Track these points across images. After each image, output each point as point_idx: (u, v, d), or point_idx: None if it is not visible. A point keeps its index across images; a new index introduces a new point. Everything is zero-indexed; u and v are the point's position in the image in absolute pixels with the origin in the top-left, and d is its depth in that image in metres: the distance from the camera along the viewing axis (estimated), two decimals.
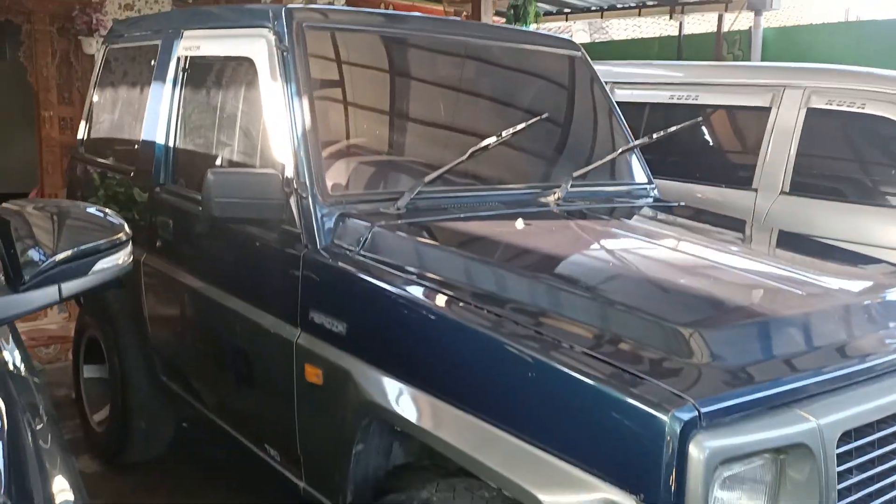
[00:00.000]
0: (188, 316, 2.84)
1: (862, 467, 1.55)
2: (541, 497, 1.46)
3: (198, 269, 2.69)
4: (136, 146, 3.16)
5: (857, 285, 2.00)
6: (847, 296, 1.92)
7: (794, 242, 2.61)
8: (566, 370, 1.48)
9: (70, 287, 1.28)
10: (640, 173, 3.03)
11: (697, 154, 4.37)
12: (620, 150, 2.75)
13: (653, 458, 1.34)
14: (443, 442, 1.70)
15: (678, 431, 1.32)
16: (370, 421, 1.93)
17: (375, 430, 1.98)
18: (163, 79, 3.01)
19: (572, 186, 2.65)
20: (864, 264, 2.28)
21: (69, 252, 1.26)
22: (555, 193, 2.59)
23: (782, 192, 3.84)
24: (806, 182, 3.80)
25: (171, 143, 2.95)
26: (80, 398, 3.61)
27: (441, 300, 1.83)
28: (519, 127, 2.32)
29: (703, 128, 4.40)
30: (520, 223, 2.26)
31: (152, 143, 3.03)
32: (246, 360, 2.48)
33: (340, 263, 2.08)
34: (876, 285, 2.00)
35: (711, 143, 4.37)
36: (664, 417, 1.33)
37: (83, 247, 1.28)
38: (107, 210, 1.50)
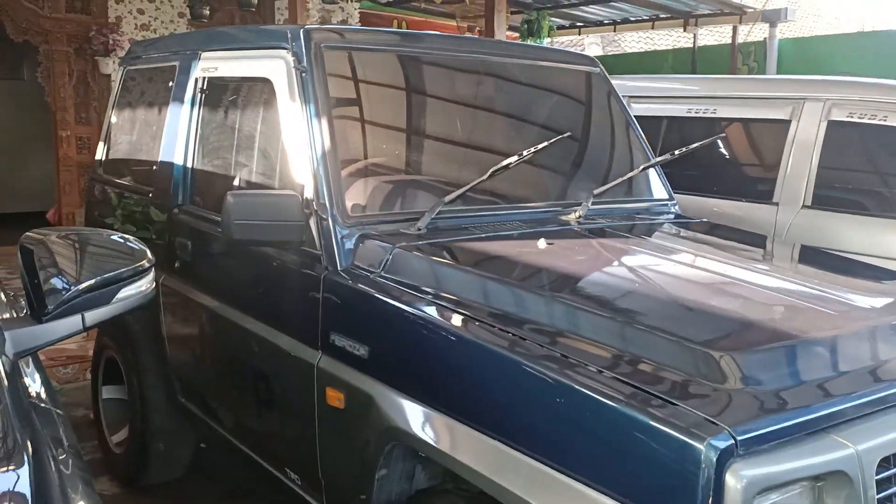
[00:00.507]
0: (207, 337, 2.83)
1: None
2: None
3: (217, 291, 2.68)
4: (155, 167, 3.16)
5: (888, 303, 1.95)
6: (879, 315, 1.88)
7: (819, 259, 2.57)
8: (595, 395, 1.45)
9: (94, 316, 1.27)
10: (660, 189, 3.00)
11: (717, 168, 4.33)
12: (642, 168, 2.72)
13: (688, 488, 1.30)
14: (464, 466, 1.67)
15: (714, 460, 1.28)
16: (393, 446, 1.90)
17: (398, 454, 1.95)
18: (181, 100, 3.01)
19: (593, 204, 2.62)
20: (893, 280, 2.24)
21: (92, 281, 1.25)
22: (576, 212, 2.57)
23: (804, 206, 3.79)
24: (828, 195, 3.75)
25: (189, 164, 2.95)
26: (98, 419, 3.60)
27: (463, 322, 1.80)
28: (540, 146, 2.30)
29: (722, 141, 4.37)
30: (542, 243, 2.23)
31: (170, 164, 3.03)
32: (266, 382, 2.46)
33: (361, 285, 2.06)
34: None
35: (730, 157, 4.33)
36: (700, 445, 1.30)
37: (106, 275, 1.27)
38: (129, 237, 1.49)
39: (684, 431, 1.32)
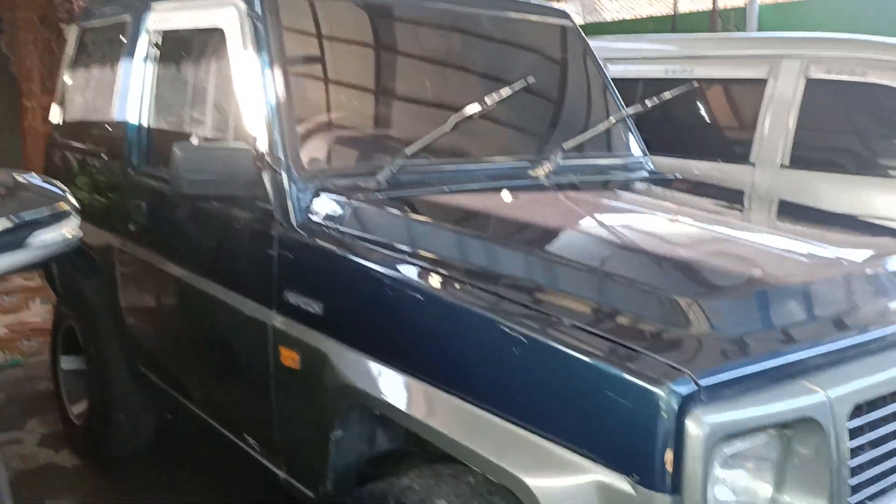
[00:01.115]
0: (164, 302, 2.72)
1: (876, 443, 1.43)
2: (528, 481, 1.35)
3: (172, 253, 2.57)
4: (109, 127, 3.03)
5: (864, 252, 1.88)
6: (855, 263, 1.80)
7: (795, 211, 2.49)
8: (552, 344, 1.37)
9: (4, 262, 1.16)
10: (633, 146, 2.91)
11: (693, 129, 4.24)
12: (614, 120, 2.62)
13: (647, 436, 1.22)
14: (423, 425, 1.59)
15: (675, 406, 1.21)
16: (349, 406, 1.81)
17: (356, 415, 1.86)
18: (133, 55, 2.88)
19: (563, 159, 2.53)
20: (871, 231, 2.16)
21: None
22: (544, 166, 2.47)
23: (781, 166, 3.72)
24: (806, 155, 3.67)
25: (143, 123, 2.83)
26: (58, 391, 3.49)
27: (421, 275, 1.71)
28: (503, 92, 2.19)
29: (699, 102, 4.28)
30: (506, 195, 2.14)
31: (124, 124, 2.90)
32: (223, 345, 2.37)
33: (316, 240, 1.96)
34: (885, 252, 1.88)
35: (708, 118, 4.25)
36: (659, 391, 1.22)
37: (16, 216, 1.16)
38: (50, 179, 1.37)
39: (644, 378, 1.24)
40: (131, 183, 2.83)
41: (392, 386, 1.68)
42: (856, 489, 1.38)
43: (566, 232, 1.96)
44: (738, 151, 3.87)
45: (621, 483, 1.25)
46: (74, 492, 3.08)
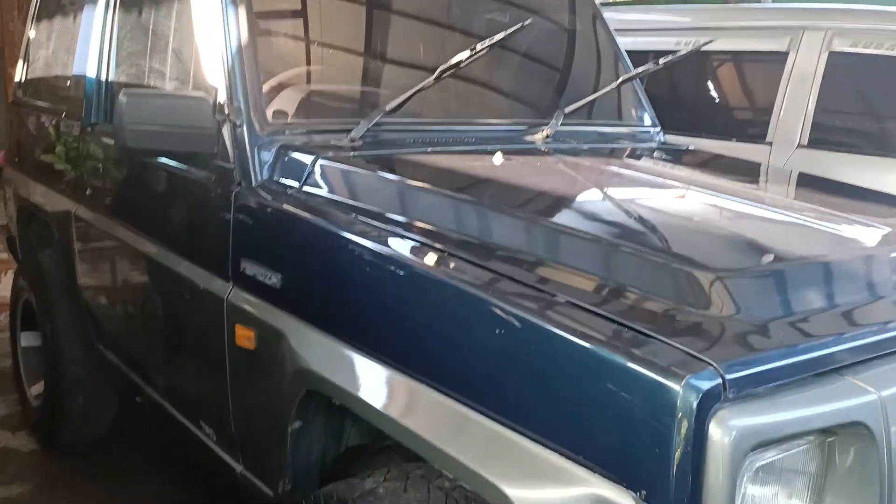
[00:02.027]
0: (120, 274, 2.47)
1: None
2: (508, 491, 1.10)
3: (127, 219, 2.32)
4: (68, 84, 2.78)
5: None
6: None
7: (822, 184, 2.22)
8: (542, 324, 1.11)
9: None
10: (644, 116, 2.64)
11: (708, 107, 3.97)
12: (620, 80, 2.35)
13: (659, 443, 0.97)
14: (385, 417, 1.34)
15: (695, 405, 0.95)
16: (307, 393, 1.56)
17: (318, 404, 1.61)
18: (94, 6, 2.62)
19: (564, 124, 2.26)
20: None
21: None
22: (543, 131, 2.21)
23: (799, 146, 3.46)
24: (825, 134, 3.41)
25: (102, 77, 2.57)
26: (17, 369, 3.24)
27: (390, 242, 1.45)
28: (495, 38, 1.91)
29: (714, 78, 4.01)
30: (497, 158, 1.88)
31: (83, 79, 2.64)
32: (179, 322, 2.12)
33: (276, 202, 1.71)
34: None
35: (723, 95, 3.98)
36: (675, 386, 0.96)
37: None
38: None
39: (655, 368, 0.99)
40: (88, 143, 2.58)
41: (352, 370, 1.43)
42: None
43: (563, 198, 1.70)
44: (754, 130, 3.61)
45: (624, 499, 1.00)
46: (28, 480, 2.84)
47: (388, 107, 1.94)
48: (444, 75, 1.92)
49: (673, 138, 3.07)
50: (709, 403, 0.96)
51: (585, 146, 2.25)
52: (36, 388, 3.11)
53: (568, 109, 2.28)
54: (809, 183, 2.24)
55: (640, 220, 1.51)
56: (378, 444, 1.76)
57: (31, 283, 2.99)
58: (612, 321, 1.09)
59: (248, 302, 1.72)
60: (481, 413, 1.18)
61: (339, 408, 1.61)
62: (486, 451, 1.16)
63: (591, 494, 1.03)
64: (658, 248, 1.32)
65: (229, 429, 1.89)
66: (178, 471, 2.84)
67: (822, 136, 3.41)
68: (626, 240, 1.36)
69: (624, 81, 2.34)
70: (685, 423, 0.95)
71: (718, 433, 0.95)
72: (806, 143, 3.44)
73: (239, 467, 1.91)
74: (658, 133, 2.63)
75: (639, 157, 2.26)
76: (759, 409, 0.99)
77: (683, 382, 0.96)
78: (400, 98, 1.93)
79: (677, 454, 0.96)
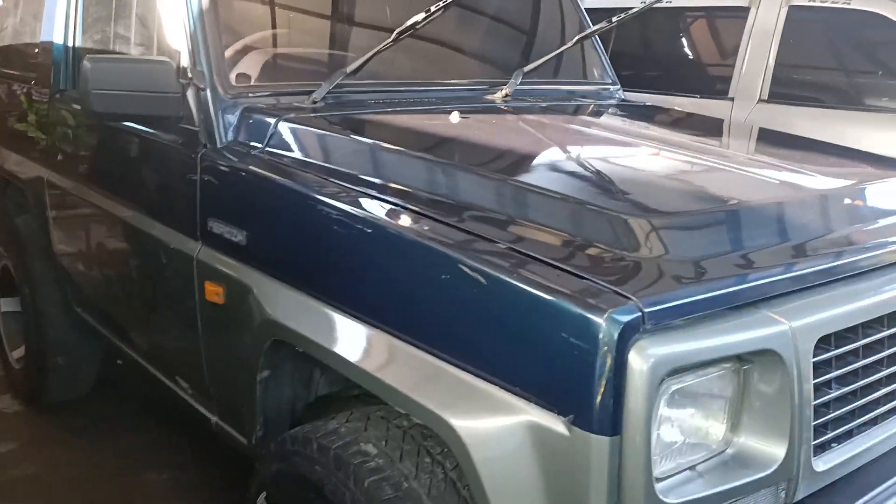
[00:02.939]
0: (94, 238, 2.53)
1: (843, 380, 1.29)
2: (452, 421, 1.20)
3: (98, 184, 2.37)
4: (38, 50, 2.79)
5: (841, 175, 1.72)
6: (828, 187, 1.64)
7: (771, 136, 2.31)
8: (482, 267, 1.20)
9: None
10: (603, 74, 2.71)
11: (672, 64, 4.05)
12: (575, 39, 2.41)
13: (583, 371, 1.07)
14: (341, 359, 1.43)
15: (615, 336, 1.05)
16: (274, 342, 1.65)
17: (285, 354, 1.70)
18: None
19: (523, 84, 2.34)
20: (853, 158, 1.99)
21: None
22: (502, 90, 2.28)
23: (760, 101, 3.55)
24: (786, 88, 3.50)
25: (70, 44, 2.59)
26: None
27: (345, 197, 1.53)
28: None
29: (678, 35, 4.07)
30: (455, 117, 1.95)
31: (51, 46, 2.66)
32: (151, 282, 2.19)
33: (238, 162, 1.77)
34: (864, 176, 1.72)
35: (687, 52, 4.05)
36: (598, 319, 1.06)
37: None
38: None
39: (581, 304, 1.08)
40: (58, 109, 2.61)
41: (312, 318, 1.51)
42: (820, 430, 1.24)
43: (513, 153, 1.78)
44: (717, 86, 3.69)
45: (555, 424, 1.10)
46: (14, 438, 2.93)
47: (349, 69, 2.00)
48: (403, 36, 1.97)
49: (633, 95, 3.15)
50: (628, 334, 1.06)
51: (544, 104, 2.32)
52: (17, 353, 3.17)
53: (527, 68, 2.35)
54: (757, 135, 2.33)
55: (584, 172, 1.60)
56: (347, 392, 1.85)
57: (9, 250, 3.04)
58: (547, 264, 1.18)
59: (217, 259, 1.80)
60: (425, 350, 1.28)
61: (307, 357, 1.70)
62: (434, 387, 1.25)
63: (526, 421, 1.13)
64: (595, 197, 1.41)
65: (203, 381, 1.98)
66: (165, 423, 2.93)
67: (783, 91, 3.50)
68: (566, 190, 1.44)
69: (579, 40, 2.40)
70: (607, 353, 1.05)
71: (637, 361, 1.05)
72: (766, 97, 3.53)
73: (214, 418, 2.00)
74: (617, 90, 2.70)
75: (593, 114, 2.33)
76: (675, 339, 1.09)
77: (606, 316, 1.06)
78: (360, 60, 1.99)
79: (601, 381, 1.06)
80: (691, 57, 4.01)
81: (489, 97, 2.27)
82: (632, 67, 4.04)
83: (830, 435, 1.27)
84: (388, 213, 1.43)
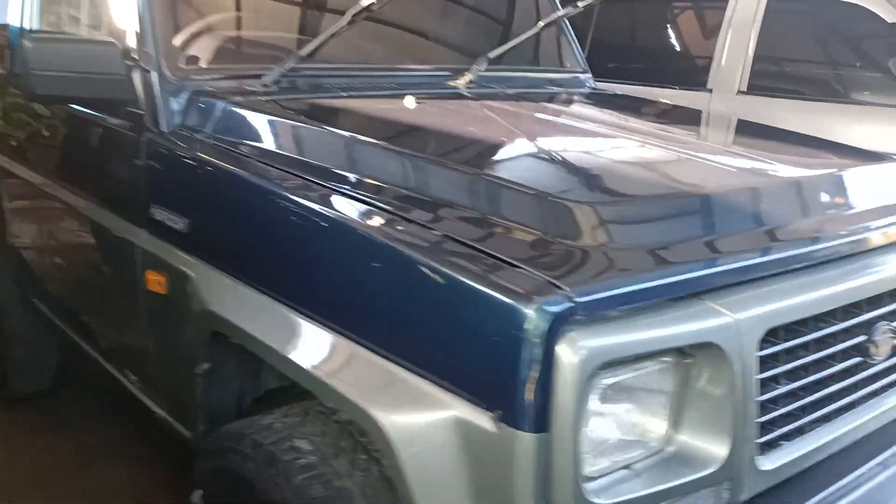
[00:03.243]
0: (46, 225, 2.47)
1: (794, 375, 1.24)
2: (378, 416, 1.14)
3: (49, 169, 2.31)
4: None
5: (800, 165, 1.66)
6: (786, 175, 1.58)
7: (736, 125, 2.26)
8: (410, 253, 1.14)
9: None
10: (574, 62, 2.65)
11: (651, 55, 3.99)
12: (542, 24, 2.35)
13: (510, 364, 1.01)
14: (269, 349, 1.37)
15: (543, 327, 0.99)
16: (213, 334, 1.59)
17: (228, 346, 1.64)
18: None
19: (489, 70, 2.27)
20: (817, 147, 1.94)
21: None
22: (466, 76, 2.22)
23: (739, 92, 3.49)
24: (765, 80, 3.44)
25: (27, 24, 2.52)
26: None
27: (286, 185, 1.46)
28: None
29: (658, 26, 4.02)
30: (410, 102, 1.89)
31: (6, 28, 2.59)
32: (98, 271, 2.13)
33: (182, 147, 1.71)
34: (823, 166, 1.67)
35: (666, 42, 3.99)
36: (526, 310, 1.00)
37: None
38: None
39: (509, 293, 1.03)
40: (12, 93, 2.53)
41: (244, 307, 1.45)
42: (766, 427, 1.18)
43: (465, 139, 1.72)
44: (695, 77, 3.64)
45: (482, 420, 1.05)
46: None
47: (304, 51, 1.93)
48: (357, 18, 1.91)
49: (611, 86, 3.09)
50: (557, 325, 1.00)
51: (509, 91, 2.26)
52: None
53: (492, 54, 2.29)
54: (716, 124, 2.27)
55: (533, 158, 1.54)
56: (297, 386, 1.80)
57: None
58: (479, 251, 1.13)
59: (160, 248, 1.74)
60: (359, 343, 1.22)
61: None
62: (361, 379, 1.20)
63: (454, 417, 1.07)
64: (538, 183, 1.34)
65: (150, 374, 1.92)
66: (127, 419, 2.86)
67: (762, 83, 3.44)
68: (510, 176, 1.38)
69: (546, 26, 2.34)
70: (534, 345, 0.99)
71: (567, 353, 1.00)
72: (745, 89, 3.48)
73: (160, 411, 1.94)
74: (588, 79, 2.64)
75: (557, 102, 2.28)
76: (609, 331, 1.03)
77: (534, 306, 1.00)
78: (314, 43, 1.93)
79: (528, 375, 1.00)
80: (670, 48, 3.95)
81: (452, 83, 2.20)
82: (611, 58, 3.99)
83: (778, 432, 1.21)
84: (317, 198, 1.37)
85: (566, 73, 2.61)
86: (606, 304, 1.04)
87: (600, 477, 1.08)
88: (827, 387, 1.30)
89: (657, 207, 1.26)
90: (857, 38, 3.33)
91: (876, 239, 1.38)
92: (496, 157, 1.55)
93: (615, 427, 1.10)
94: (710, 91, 3.57)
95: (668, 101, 2.56)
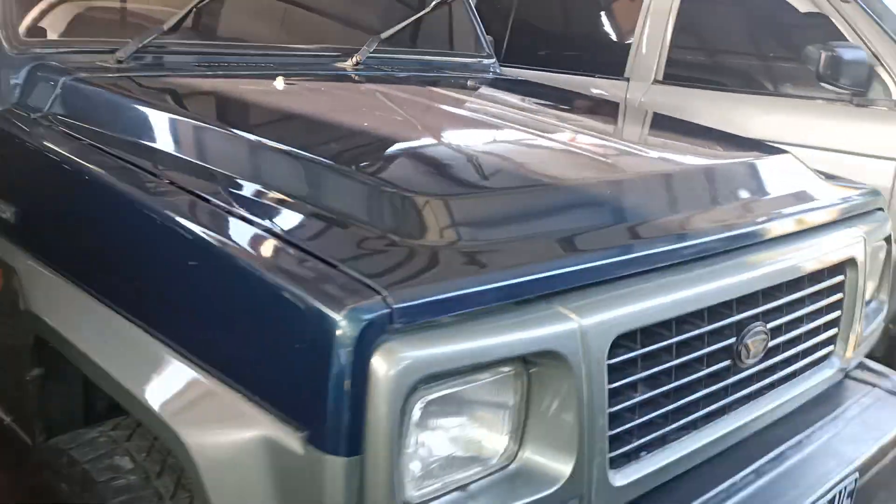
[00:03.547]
0: None
1: (653, 381, 1.15)
2: (182, 435, 1.01)
3: None
4: None
5: (678, 156, 1.58)
6: (660, 166, 1.48)
7: (628, 115, 2.17)
8: (223, 250, 1.01)
9: None
10: (478, 46, 2.53)
11: (570, 41, 3.91)
12: (433, 4, 2.22)
13: (318, 378, 0.89)
14: (82, 355, 1.22)
15: (356, 336, 0.87)
16: (37, 338, 1.42)
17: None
18: None
19: (382, 52, 2.14)
20: (704, 138, 1.85)
21: None
22: (354, 57, 2.08)
23: (655, 81, 3.44)
24: (681, 70, 3.39)
25: None
26: None
27: (118, 174, 1.31)
28: None
29: (577, 13, 3.94)
30: (279, 83, 1.75)
31: None
32: None
33: (13, 127, 1.53)
34: (704, 157, 1.59)
35: (585, 29, 3.91)
36: (336, 316, 0.88)
37: None
38: None
39: (317, 294, 0.90)
40: None
41: (63, 308, 1.30)
42: (616, 441, 1.09)
43: (324, 123, 1.57)
44: (613, 65, 3.56)
45: (291, 440, 0.92)
46: None
47: (166, 25, 1.77)
48: None
49: (534, 75, 2.99)
50: (372, 335, 0.88)
51: (400, 75, 2.13)
52: None
53: (384, 35, 2.15)
54: (609, 113, 2.18)
55: (392, 147, 1.40)
56: None
57: None
58: (299, 249, 1.00)
59: None
60: (178, 353, 1.08)
61: None
62: (174, 394, 1.06)
63: (263, 436, 0.95)
64: (384, 175, 1.22)
65: None
66: None
67: (678, 72, 3.39)
68: (354, 166, 1.25)
69: (440, 4, 2.22)
70: (345, 356, 0.88)
71: (382, 366, 0.88)
72: (662, 78, 3.42)
73: (7, 418, 1.77)
74: (492, 64, 2.53)
75: (449, 87, 2.16)
76: (434, 340, 0.92)
77: (344, 312, 0.88)
78: (177, 16, 1.76)
79: (338, 390, 0.88)
80: (589, 35, 3.87)
81: (339, 65, 2.06)
82: (530, 44, 3.90)
83: (633, 445, 1.12)
84: (140, 187, 1.22)
85: (468, 58, 2.49)
86: (431, 310, 0.92)
87: (431, 500, 0.97)
88: (693, 392, 1.22)
89: (507, 202, 1.15)
90: (772, 29, 3.30)
91: (749, 235, 1.30)
92: (350, 145, 1.41)
93: (447, 444, 0.99)
94: (628, 80, 3.50)
95: (571, 90, 2.45)
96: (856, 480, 1.43)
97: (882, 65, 2.82)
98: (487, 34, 2.65)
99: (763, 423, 1.39)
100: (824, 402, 1.59)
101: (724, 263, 1.24)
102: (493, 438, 1.02)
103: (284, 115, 1.57)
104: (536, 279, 1.01)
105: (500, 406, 1.01)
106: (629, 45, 3.52)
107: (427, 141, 1.40)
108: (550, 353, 1.00)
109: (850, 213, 1.58)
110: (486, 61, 2.52)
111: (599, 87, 3.53)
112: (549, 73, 3.60)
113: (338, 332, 0.87)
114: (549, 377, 1.02)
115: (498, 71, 2.52)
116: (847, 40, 2.89)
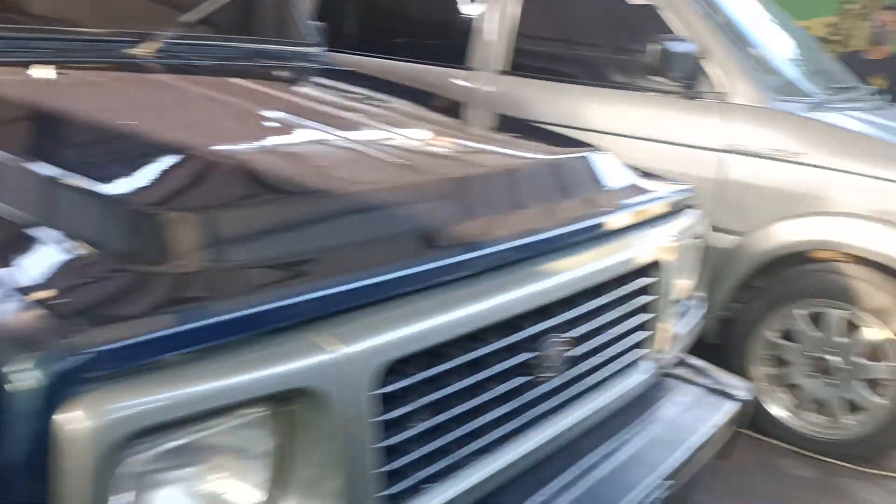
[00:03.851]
0: None
1: (436, 408, 1.04)
2: None
3: None
4: None
5: (481, 157, 1.48)
6: (456, 169, 1.37)
7: (456, 112, 2.07)
8: None
9: None
10: (305, 33, 2.36)
11: (414, 29, 3.79)
12: None
13: None
14: None
15: (34, 391, 0.71)
16: None
17: None
18: None
19: (186, 39, 1.93)
20: (526, 137, 1.78)
21: None
22: (149, 44, 1.86)
23: (500, 72, 3.38)
24: (526, 60, 3.36)
25: None
26: None
27: None
28: None
29: (421, 0, 3.84)
30: (38, 72, 1.52)
31: None
32: None
33: None
34: (518, 157, 1.50)
35: (429, 16, 3.81)
36: (5, 368, 0.71)
37: None
38: None
39: None
40: None
41: None
42: (393, 478, 0.98)
43: (74, 121, 1.35)
44: (457, 54, 3.48)
45: None
46: None
47: None
48: None
49: (372, 63, 2.83)
50: (58, 387, 0.72)
51: (204, 64, 1.93)
52: None
53: (185, 18, 1.95)
54: (433, 108, 2.07)
55: (143, 149, 1.20)
56: None
57: None
58: None
59: None
60: None
61: None
62: None
63: None
64: (116, 183, 1.04)
65: None
66: None
67: (523, 62, 3.35)
68: (80, 173, 1.03)
69: None
70: (20, 417, 0.71)
71: (70, 426, 0.72)
72: (506, 68, 3.37)
73: None
74: (321, 53, 2.37)
75: (257, 77, 1.98)
76: (146, 387, 0.76)
77: (17, 362, 0.71)
78: None
79: (12, 459, 0.71)
80: (433, 23, 3.78)
81: (130, 51, 1.84)
82: (372, 31, 3.76)
83: (417, 478, 1.02)
84: None
85: (291, 46, 2.31)
86: (143, 352, 0.77)
87: None
88: (487, 414, 1.13)
89: (262, 215, 0.99)
90: (615, 22, 3.31)
91: (547, 242, 1.22)
92: (94, 152, 1.21)
93: (185, 501, 0.85)
94: (472, 70, 3.43)
95: (397, 82, 2.32)
96: (669, 488, 1.40)
97: (708, 58, 2.88)
98: (323, 20, 2.49)
99: (573, 434, 1.32)
100: (640, 406, 1.55)
101: (518, 273, 1.16)
102: (243, 490, 0.89)
103: (23, 114, 1.34)
104: (281, 307, 0.87)
105: (251, 453, 0.88)
106: (474, 33, 3.45)
107: (193, 144, 1.22)
108: (301, 389, 0.87)
109: (661, 212, 1.54)
110: (312, 49, 2.35)
111: (443, 77, 3.44)
112: (388, 62, 3.48)
113: (9, 388, 0.71)
114: (308, 416, 0.90)
115: (326, 60, 2.37)
116: (674, 33, 2.94)
